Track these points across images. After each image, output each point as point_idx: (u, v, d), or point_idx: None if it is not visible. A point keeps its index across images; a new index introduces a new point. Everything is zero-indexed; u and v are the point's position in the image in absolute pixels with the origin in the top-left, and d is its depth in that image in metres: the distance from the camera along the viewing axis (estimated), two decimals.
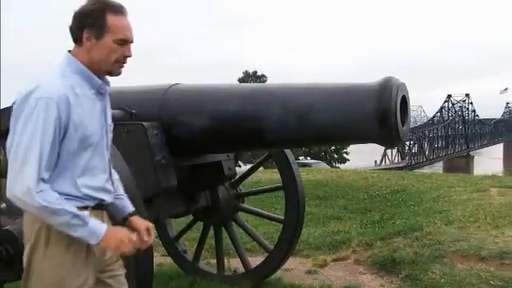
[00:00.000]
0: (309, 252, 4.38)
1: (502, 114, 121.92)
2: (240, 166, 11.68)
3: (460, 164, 78.66)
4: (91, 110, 1.64)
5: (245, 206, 3.65)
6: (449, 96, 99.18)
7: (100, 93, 1.69)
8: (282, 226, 3.56)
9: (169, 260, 4.11)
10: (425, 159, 77.69)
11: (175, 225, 4.26)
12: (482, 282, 3.13)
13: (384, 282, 3.63)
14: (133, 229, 1.73)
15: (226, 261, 3.77)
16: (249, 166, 3.95)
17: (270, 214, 4.13)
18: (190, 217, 3.75)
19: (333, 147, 42.39)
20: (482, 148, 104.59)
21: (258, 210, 3.91)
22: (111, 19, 1.63)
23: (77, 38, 1.65)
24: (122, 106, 2.62)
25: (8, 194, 1.53)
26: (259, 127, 2.46)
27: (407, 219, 5.18)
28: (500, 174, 12.87)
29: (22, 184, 1.48)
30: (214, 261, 3.84)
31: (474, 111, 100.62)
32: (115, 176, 1.83)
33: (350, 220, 5.73)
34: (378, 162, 67.61)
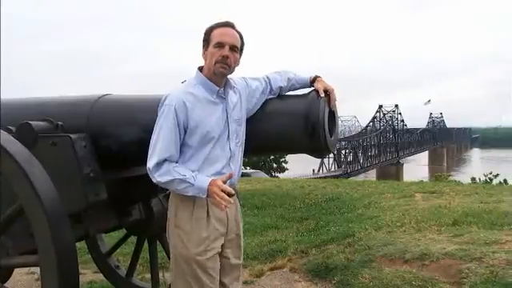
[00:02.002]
0: (246, 262, 4.39)
1: (426, 123, 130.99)
2: None
3: (391, 171, 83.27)
4: (212, 111, 2.08)
5: None
6: (380, 106, 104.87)
7: (221, 97, 2.11)
8: None
9: (101, 277, 3.94)
10: (359, 167, 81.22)
11: (110, 239, 4.10)
12: (405, 283, 3.33)
13: None
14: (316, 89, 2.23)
15: (160, 274, 3.68)
16: None
17: None
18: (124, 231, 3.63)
19: (272, 157, 43.03)
20: (410, 156, 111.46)
21: None
22: (214, 32, 2.08)
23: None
24: (47, 118, 2.50)
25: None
26: None
27: (341, 226, 5.38)
28: (425, 180, 13.76)
29: (148, 165, 2.04)
30: (149, 275, 3.74)
31: (402, 121, 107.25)
32: (275, 75, 2.33)
33: (287, 229, 5.84)
34: (316, 171, 69.67)
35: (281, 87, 2.33)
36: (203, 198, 2.04)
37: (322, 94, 2.21)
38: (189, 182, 1.99)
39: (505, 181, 9.82)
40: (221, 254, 2.18)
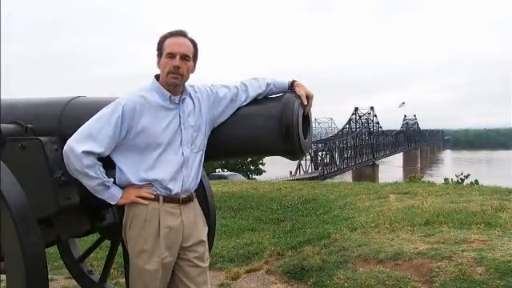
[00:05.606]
0: (222, 265, 4.39)
1: (401, 125, 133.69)
2: None
3: (367, 172, 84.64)
4: (163, 117, 2.11)
5: None
6: (356, 109, 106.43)
7: (174, 103, 2.14)
8: None
9: (73, 283, 3.86)
10: (336, 169, 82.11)
11: (83, 243, 4.02)
12: (379, 282, 3.38)
13: None
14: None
15: None
16: None
17: None
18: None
19: (249, 159, 43.10)
20: (385, 157, 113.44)
21: None
22: (166, 42, 2.12)
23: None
24: (16, 120, 2.44)
25: (64, 147, 2.06)
26: None
27: (316, 227, 5.43)
28: (400, 181, 14.02)
29: (70, 143, 2.04)
30: (124, 280, 3.68)
31: (378, 123, 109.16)
32: (252, 81, 2.32)
33: (264, 231, 5.86)
34: (293, 173, 70.09)
35: (259, 93, 2.34)
36: (156, 209, 2.09)
37: (305, 102, 2.24)
38: (106, 186, 2.07)
39: (476, 181, 10.08)
40: (184, 259, 2.19)
